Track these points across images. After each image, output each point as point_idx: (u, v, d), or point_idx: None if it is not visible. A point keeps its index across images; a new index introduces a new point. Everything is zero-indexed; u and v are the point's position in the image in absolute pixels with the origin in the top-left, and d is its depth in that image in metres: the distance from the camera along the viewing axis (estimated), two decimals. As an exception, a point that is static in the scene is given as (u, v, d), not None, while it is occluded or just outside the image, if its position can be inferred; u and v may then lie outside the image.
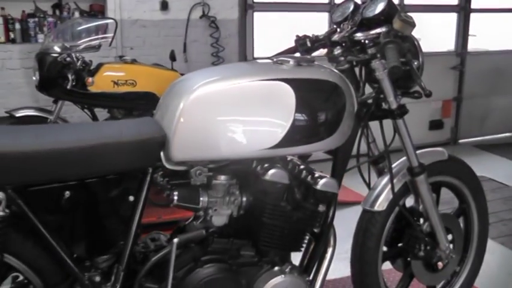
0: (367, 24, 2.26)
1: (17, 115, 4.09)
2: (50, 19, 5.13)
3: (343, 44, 2.30)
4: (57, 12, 5.22)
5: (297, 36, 2.46)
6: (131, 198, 1.96)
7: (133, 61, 4.22)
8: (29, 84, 4.92)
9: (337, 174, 2.23)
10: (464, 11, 6.58)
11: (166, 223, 3.29)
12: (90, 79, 3.90)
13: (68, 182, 1.88)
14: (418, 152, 2.44)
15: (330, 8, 5.74)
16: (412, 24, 2.12)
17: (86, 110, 4.25)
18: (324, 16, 5.87)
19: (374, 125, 2.38)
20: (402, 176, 2.44)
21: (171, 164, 1.94)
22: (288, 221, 2.06)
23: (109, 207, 1.97)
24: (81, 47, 3.99)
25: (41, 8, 5.13)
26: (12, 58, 5.02)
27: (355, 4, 2.36)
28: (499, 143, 6.68)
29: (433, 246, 2.50)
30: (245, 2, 5.68)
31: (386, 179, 2.40)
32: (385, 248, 2.54)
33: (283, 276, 2.08)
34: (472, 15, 6.60)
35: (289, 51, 2.47)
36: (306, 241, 2.20)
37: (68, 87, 3.87)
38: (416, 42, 2.28)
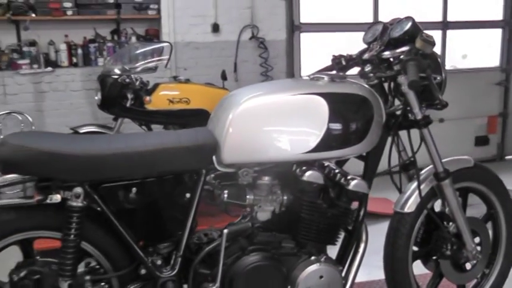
0: (393, 43, 2.46)
1: (81, 131, 4.33)
2: (109, 44, 5.40)
3: (373, 62, 2.50)
4: (115, 37, 5.48)
5: (334, 56, 2.68)
6: (188, 195, 2.23)
7: (187, 81, 4.42)
8: (89, 104, 5.23)
9: (368, 177, 2.45)
10: (508, 26, 6.55)
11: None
12: (147, 98, 4.10)
13: (135, 180, 2.16)
14: (445, 160, 2.61)
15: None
16: (432, 44, 2.33)
17: (143, 127, 4.46)
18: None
19: (404, 134, 2.56)
20: (429, 181, 2.60)
21: (221, 166, 2.22)
22: (323, 216, 2.29)
23: (169, 202, 2.24)
24: (139, 69, 4.19)
25: (101, 34, 5.43)
26: (75, 80, 5.30)
27: (384, 25, 2.58)
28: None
29: (459, 247, 2.65)
30: (292, 24, 5.84)
31: (415, 183, 2.56)
32: (415, 248, 2.70)
33: (318, 264, 2.30)
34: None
35: (326, 69, 2.67)
36: (340, 236, 2.41)
37: (128, 105, 4.09)
38: (439, 60, 2.48)
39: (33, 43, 5.27)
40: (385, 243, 2.69)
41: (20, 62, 5.18)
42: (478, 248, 2.74)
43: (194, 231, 2.29)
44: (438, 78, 2.45)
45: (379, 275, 2.80)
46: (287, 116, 2.25)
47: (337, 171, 2.36)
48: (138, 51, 4.46)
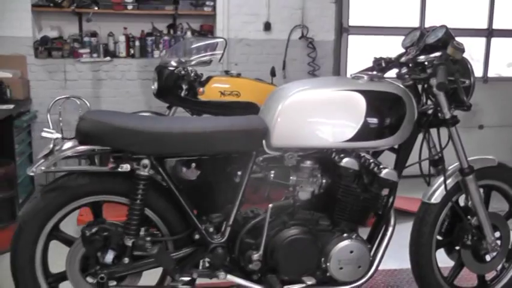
0: (428, 49, 2.67)
1: (137, 116, 4.62)
2: (165, 38, 5.60)
3: (409, 65, 2.71)
4: (171, 31, 5.69)
5: (375, 58, 2.89)
6: (239, 173, 2.51)
7: (238, 75, 4.56)
8: (143, 93, 5.47)
9: (398, 167, 2.69)
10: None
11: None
12: (201, 89, 4.20)
13: (194, 156, 2.46)
14: (471, 158, 2.81)
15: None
16: (462, 51, 2.55)
17: (195, 116, 4.53)
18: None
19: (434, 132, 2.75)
20: (455, 176, 2.81)
21: (270, 149, 2.50)
22: (356, 199, 2.55)
23: (222, 178, 2.52)
24: (194, 62, 4.27)
25: (158, 28, 5.66)
26: (131, 70, 5.55)
27: (421, 32, 2.79)
28: None
29: (480, 238, 2.84)
30: (341, 26, 5.96)
31: (442, 177, 2.77)
32: (440, 238, 2.92)
33: (350, 241, 2.56)
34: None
35: (367, 70, 2.85)
36: (370, 218, 2.66)
37: (182, 95, 4.21)
38: (469, 65, 2.70)
39: (94, 34, 5.54)
40: (412, 230, 2.91)
41: (81, 51, 5.46)
42: (498, 242, 2.91)
43: (242, 206, 2.55)
44: (467, 82, 2.66)
45: (409, 265, 3.00)
46: (329, 109, 2.52)
47: (371, 160, 2.61)
48: (193, 46, 4.54)
